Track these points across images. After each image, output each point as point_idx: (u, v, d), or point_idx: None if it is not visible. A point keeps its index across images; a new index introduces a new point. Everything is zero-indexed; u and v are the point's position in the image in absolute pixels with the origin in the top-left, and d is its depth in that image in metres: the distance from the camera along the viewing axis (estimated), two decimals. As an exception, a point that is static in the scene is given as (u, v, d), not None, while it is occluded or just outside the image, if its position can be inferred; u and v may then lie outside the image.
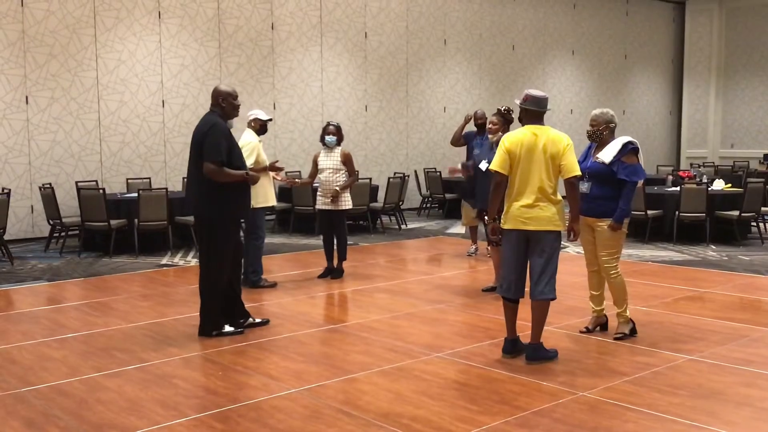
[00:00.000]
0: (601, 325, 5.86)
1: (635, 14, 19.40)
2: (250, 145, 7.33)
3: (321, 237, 8.26)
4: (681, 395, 4.49)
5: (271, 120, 7.76)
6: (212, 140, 5.57)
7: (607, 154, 5.50)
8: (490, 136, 7.13)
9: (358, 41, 14.24)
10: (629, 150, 5.50)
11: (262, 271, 7.68)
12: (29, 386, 4.72)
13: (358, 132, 14.29)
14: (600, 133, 5.59)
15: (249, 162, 7.23)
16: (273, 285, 7.66)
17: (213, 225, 5.72)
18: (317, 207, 8.11)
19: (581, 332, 5.81)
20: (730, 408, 4.33)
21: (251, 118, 7.59)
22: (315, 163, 8.05)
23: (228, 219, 5.76)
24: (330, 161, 7.91)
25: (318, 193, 8.06)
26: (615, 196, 5.47)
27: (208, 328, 5.80)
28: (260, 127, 7.58)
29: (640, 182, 5.67)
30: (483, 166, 7.06)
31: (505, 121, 7.08)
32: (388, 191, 12.03)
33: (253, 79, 12.92)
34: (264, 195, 7.43)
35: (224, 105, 5.76)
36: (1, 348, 5.57)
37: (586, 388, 4.60)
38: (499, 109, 7.15)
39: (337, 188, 7.85)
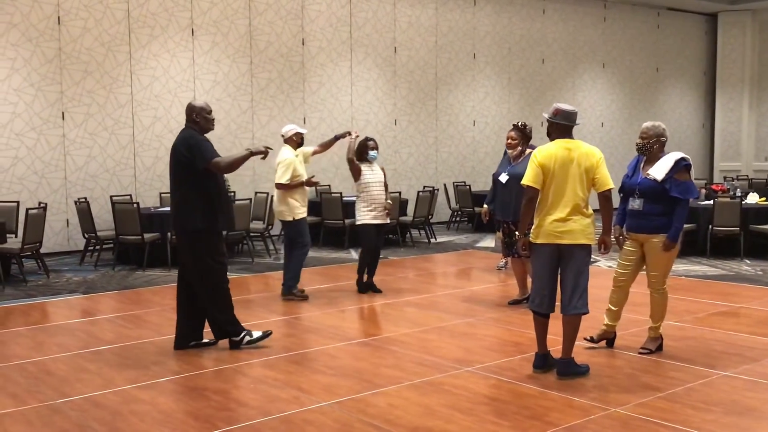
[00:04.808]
0: (607, 339, 5.80)
1: (667, 27, 19.26)
2: (285, 161, 7.57)
3: (362, 251, 8.00)
4: (715, 412, 4.43)
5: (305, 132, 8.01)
6: (199, 146, 5.61)
7: (659, 171, 5.40)
8: (509, 150, 7.24)
9: (388, 56, 14.32)
10: (682, 167, 5.41)
11: (298, 281, 7.81)
12: (65, 397, 4.80)
13: (387, 146, 14.34)
14: (650, 146, 5.50)
15: (284, 179, 7.50)
16: (305, 298, 7.72)
17: (198, 237, 5.67)
18: (368, 222, 7.83)
19: (585, 339, 5.72)
20: (765, 425, 4.26)
21: (292, 132, 7.72)
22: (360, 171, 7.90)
23: (212, 230, 5.69)
24: (376, 176, 7.89)
25: (368, 208, 7.82)
26: (667, 212, 5.38)
27: (233, 336, 5.84)
28: (301, 141, 7.82)
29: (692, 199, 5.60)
30: (503, 178, 7.17)
31: (523, 135, 7.17)
32: (418, 205, 12.04)
33: (284, 94, 13.05)
34: (303, 206, 7.67)
35: (198, 120, 5.75)
36: (37, 360, 5.68)
37: (619, 403, 4.56)
38: (515, 125, 7.25)
39: (390, 202, 7.99)
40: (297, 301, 7.62)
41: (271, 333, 6.00)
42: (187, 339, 5.89)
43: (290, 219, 7.59)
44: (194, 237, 5.69)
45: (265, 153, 5.78)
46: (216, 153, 5.64)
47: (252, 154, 5.72)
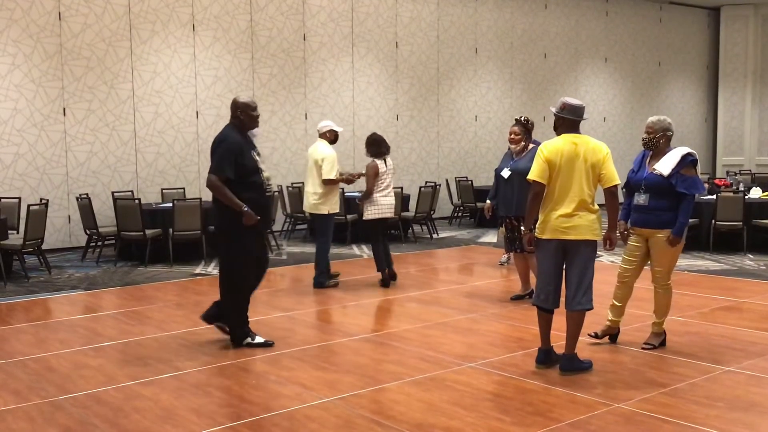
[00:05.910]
0: (611, 335, 5.78)
1: (669, 21, 19.20)
2: (330, 157, 7.88)
3: (376, 245, 8.18)
4: (719, 407, 4.42)
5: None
6: (220, 154, 5.57)
7: (666, 166, 5.37)
8: (512, 146, 7.19)
9: (390, 51, 14.28)
10: (688, 162, 5.39)
11: (329, 271, 8.17)
12: (66, 394, 4.80)
13: (389, 141, 14.17)
14: (656, 141, 5.48)
15: (332, 174, 7.80)
16: (337, 284, 8.15)
17: (230, 235, 5.69)
18: (387, 215, 8.11)
19: (588, 335, 5.72)
20: (770, 421, 4.24)
21: (327, 129, 8.07)
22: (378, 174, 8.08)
23: (242, 229, 5.63)
24: (391, 170, 8.26)
25: (387, 201, 8.10)
26: (672, 207, 5.35)
27: (239, 336, 5.83)
28: (335, 138, 8.10)
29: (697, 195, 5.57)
30: (505, 173, 7.14)
31: (526, 130, 7.14)
32: (420, 200, 12.03)
33: (285, 89, 13.03)
34: (336, 202, 8.02)
35: (242, 117, 5.73)
36: (39, 356, 5.67)
37: (622, 399, 4.54)
38: (518, 120, 7.20)
39: None
40: (324, 290, 7.95)
41: (272, 344, 5.87)
42: (215, 318, 5.94)
43: (326, 212, 7.95)
44: (224, 235, 5.75)
45: (255, 224, 5.61)
46: (226, 168, 5.52)
47: (244, 214, 5.51)
